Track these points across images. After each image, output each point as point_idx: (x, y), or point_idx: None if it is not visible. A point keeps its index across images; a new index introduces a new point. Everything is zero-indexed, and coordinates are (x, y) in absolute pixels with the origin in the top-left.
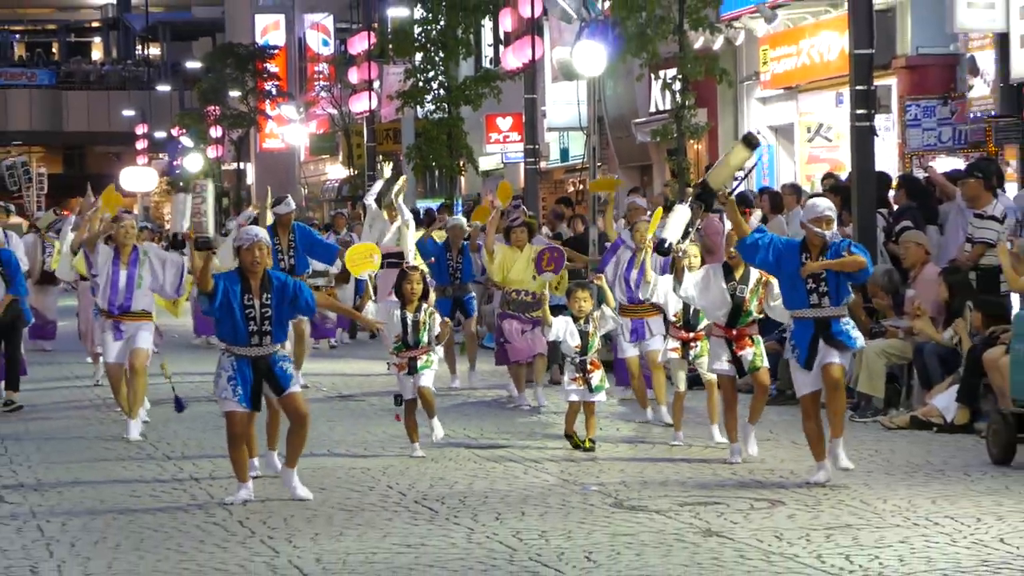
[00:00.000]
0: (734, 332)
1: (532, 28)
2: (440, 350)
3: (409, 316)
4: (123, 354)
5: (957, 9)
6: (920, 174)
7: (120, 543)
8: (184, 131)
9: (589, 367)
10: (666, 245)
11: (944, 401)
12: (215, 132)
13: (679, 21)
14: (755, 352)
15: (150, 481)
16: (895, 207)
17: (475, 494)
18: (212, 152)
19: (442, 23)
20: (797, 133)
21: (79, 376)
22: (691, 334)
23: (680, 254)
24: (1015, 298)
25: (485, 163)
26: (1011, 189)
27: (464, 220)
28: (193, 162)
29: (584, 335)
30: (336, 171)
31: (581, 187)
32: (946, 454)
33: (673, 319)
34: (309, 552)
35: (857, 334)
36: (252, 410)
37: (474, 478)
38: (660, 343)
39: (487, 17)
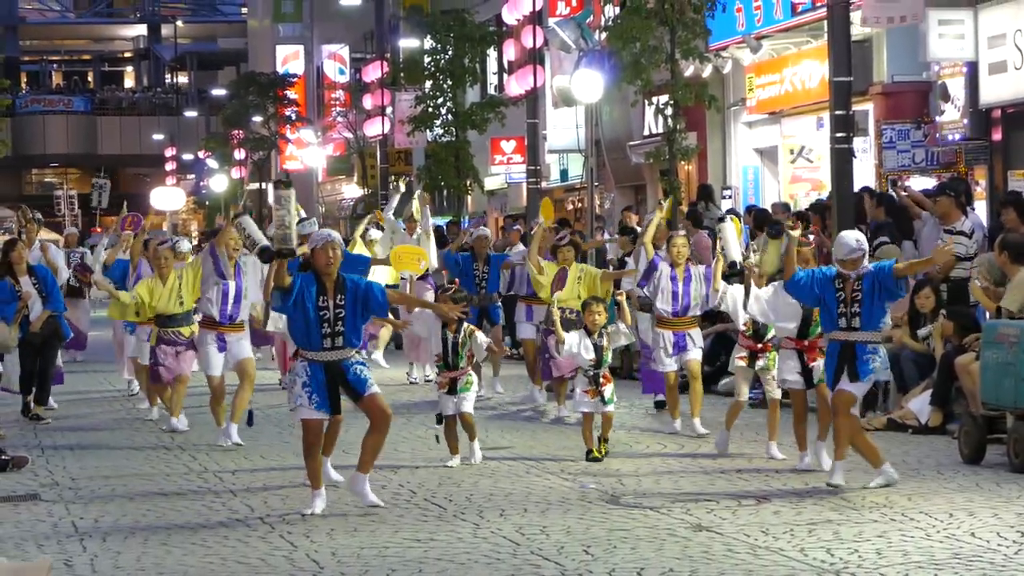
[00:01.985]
0: (805, 343)
1: (534, 58)
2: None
3: (449, 337)
4: (226, 367)
5: (929, 40)
6: (895, 193)
7: (148, 538)
8: (210, 153)
9: (602, 380)
10: (736, 266)
11: (919, 404)
12: (239, 154)
13: (671, 51)
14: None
15: (176, 479)
16: (870, 223)
17: (480, 492)
18: (236, 173)
19: (450, 53)
20: (781, 155)
21: (111, 384)
22: (759, 344)
23: (749, 270)
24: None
25: (490, 183)
26: (980, 207)
27: (489, 231)
28: (218, 182)
29: (598, 349)
30: (351, 190)
31: (580, 205)
32: (921, 454)
33: (743, 328)
34: (325, 546)
35: (877, 364)
36: (332, 414)
37: (479, 477)
38: (699, 354)
39: (492, 47)
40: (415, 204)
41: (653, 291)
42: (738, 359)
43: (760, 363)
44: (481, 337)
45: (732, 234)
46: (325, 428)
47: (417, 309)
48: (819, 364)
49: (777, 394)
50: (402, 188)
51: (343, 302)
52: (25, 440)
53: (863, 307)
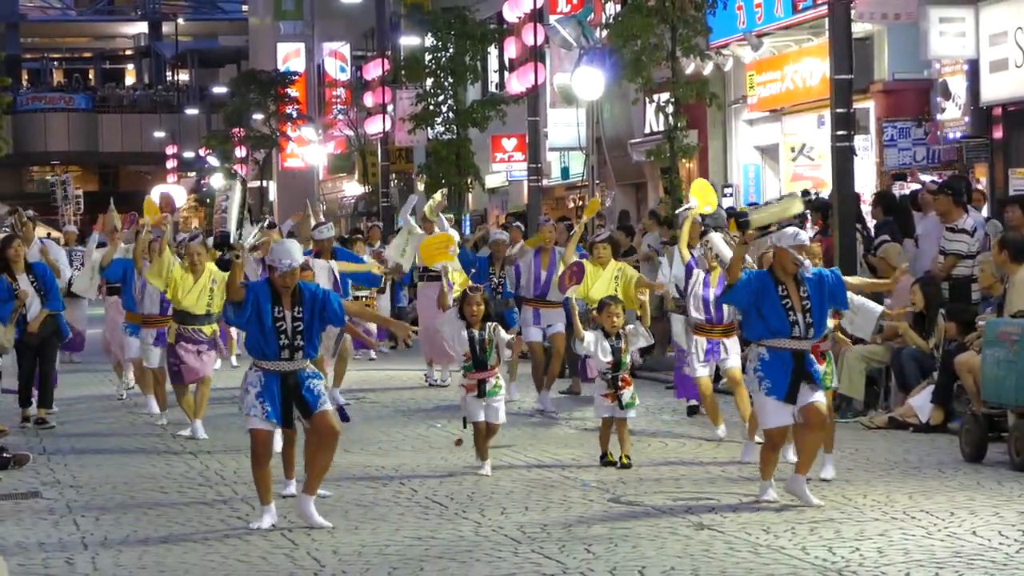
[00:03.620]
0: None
1: (535, 55)
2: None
3: (476, 334)
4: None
5: (930, 37)
6: (912, 186)
7: (149, 536)
8: (211, 151)
9: (620, 383)
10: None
11: (920, 402)
12: (240, 152)
13: (672, 49)
14: (825, 371)
15: (177, 478)
16: (870, 222)
17: (482, 490)
18: (237, 171)
19: (451, 51)
20: (782, 153)
21: (110, 382)
22: None
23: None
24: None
25: (491, 181)
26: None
27: (507, 235)
28: (219, 180)
29: (616, 351)
30: (352, 188)
31: (581, 203)
32: (922, 452)
33: None
34: (326, 544)
35: (827, 368)
36: (283, 427)
37: (481, 475)
38: (737, 360)
39: (493, 45)
40: (429, 211)
41: (687, 297)
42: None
43: None
44: (503, 333)
45: (720, 242)
46: (279, 445)
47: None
48: (819, 370)
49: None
50: (420, 187)
51: (301, 314)
52: (26, 439)
53: (815, 315)
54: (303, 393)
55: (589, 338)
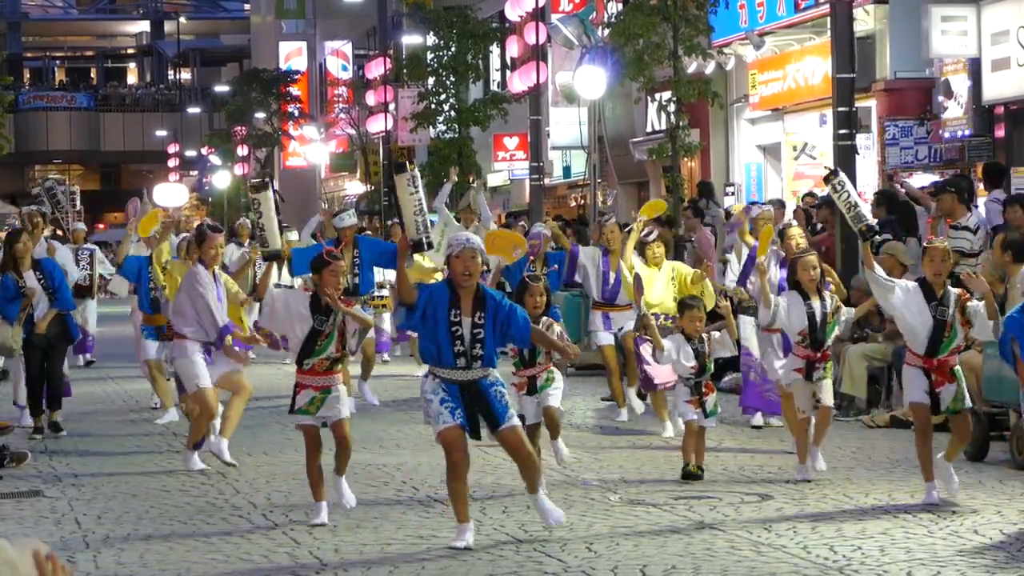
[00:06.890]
0: (935, 362)
1: (537, 54)
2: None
3: None
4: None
5: (932, 36)
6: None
7: (151, 535)
8: (213, 150)
9: (704, 389)
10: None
11: None
12: (242, 151)
13: (674, 48)
14: (958, 389)
15: (179, 476)
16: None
17: (483, 489)
18: (239, 170)
19: (453, 50)
20: (784, 152)
21: (114, 380)
22: (817, 353)
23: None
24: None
25: (493, 179)
26: (983, 203)
27: (548, 229)
28: (221, 179)
29: (700, 355)
30: (354, 187)
31: (583, 202)
32: None
33: (798, 338)
34: (328, 543)
35: None
36: (472, 437)
37: (482, 474)
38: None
39: (495, 44)
40: (470, 197)
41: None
42: (794, 371)
43: (817, 374)
44: (559, 329)
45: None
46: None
47: None
48: (948, 389)
49: (830, 401)
50: (454, 177)
51: (482, 320)
52: (27, 436)
53: None
54: (490, 399)
55: (669, 346)
